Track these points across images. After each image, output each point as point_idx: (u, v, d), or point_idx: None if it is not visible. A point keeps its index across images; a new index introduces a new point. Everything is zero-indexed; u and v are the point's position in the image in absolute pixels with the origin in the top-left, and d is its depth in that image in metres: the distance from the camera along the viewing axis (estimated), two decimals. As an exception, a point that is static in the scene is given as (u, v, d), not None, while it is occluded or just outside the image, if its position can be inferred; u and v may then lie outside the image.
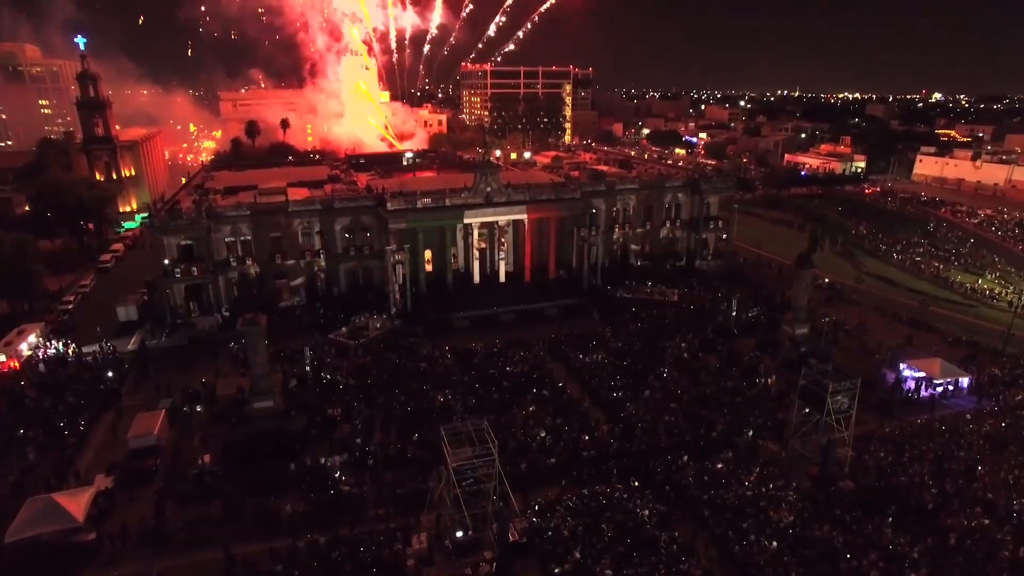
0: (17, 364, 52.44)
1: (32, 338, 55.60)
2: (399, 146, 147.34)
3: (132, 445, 40.49)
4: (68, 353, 54.95)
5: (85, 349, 55.34)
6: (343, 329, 58.45)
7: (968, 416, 45.50)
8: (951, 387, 48.96)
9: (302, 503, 35.48)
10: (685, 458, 39.13)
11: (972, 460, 39.49)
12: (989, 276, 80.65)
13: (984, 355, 55.37)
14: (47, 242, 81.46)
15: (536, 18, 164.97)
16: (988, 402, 47.87)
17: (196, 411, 45.40)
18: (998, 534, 33.01)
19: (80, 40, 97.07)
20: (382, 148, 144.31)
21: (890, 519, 33.84)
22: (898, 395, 48.65)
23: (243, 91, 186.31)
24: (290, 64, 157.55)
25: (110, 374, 50.91)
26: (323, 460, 38.94)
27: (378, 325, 59.45)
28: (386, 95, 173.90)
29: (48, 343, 56.35)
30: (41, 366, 52.69)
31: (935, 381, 48.60)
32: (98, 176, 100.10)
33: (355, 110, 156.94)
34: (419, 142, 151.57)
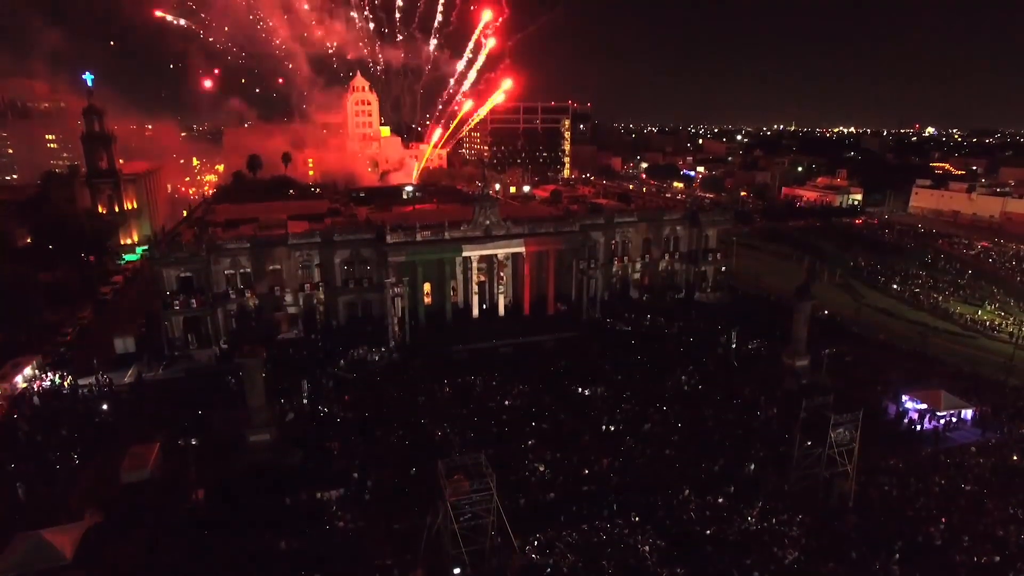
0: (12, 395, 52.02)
1: (28, 371, 55.27)
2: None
3: (125, 479, 39.90)
4: (64, 386, 54.57)
5: (81, 381, 54.95)
6: (341, 362, 58.16)
7: (973, 448, 44.95)
8: (954, 419, 48.49)
9: (297, 540, 34.75)
10: (686, 492, 38.55)
11: (980, 494, 38.90)
12: (989, 307, 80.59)
13: (987, 387, 54.97)
14: (47, 274, 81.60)
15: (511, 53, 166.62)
16: (993, 434, 47.33)
17: (191, 444, 44.81)
18: (1010, 572, 32.31)
19: (88, 77, 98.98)
20: (374, 178, 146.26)
21: (897, 555, 33.15)
22: (901, 427, 48.18)
23: (246, 125, 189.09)
24: (279, 96, 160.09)
25: (105, 407, 50.44)
26: (319, 495, 38.33)
27: (376, 358, 59.18)
28: (386, 129, 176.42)
29: (44, 375, 55.99)
30: (35, 399, 52.26)
31: (939, 413, 48.16)
32: (101, 209, 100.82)
33: (347, 143, 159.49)
34: (406, 174, 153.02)
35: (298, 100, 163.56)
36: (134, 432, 46.68)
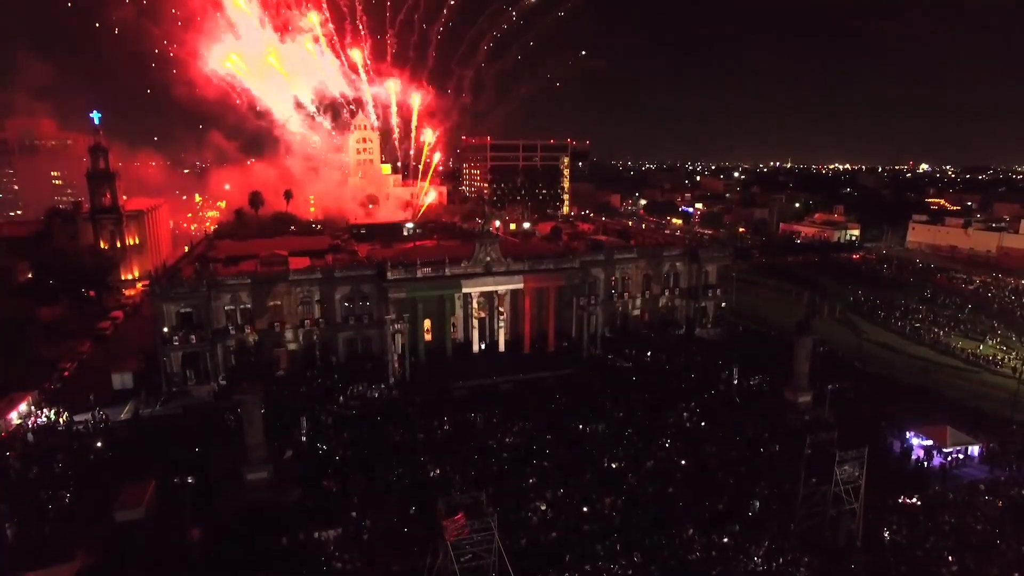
0: (4, 434, 51.44)
1: (23, 407, 54.76)
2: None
3: (119, 518, 39.20)
4: (59, 422, 53.98)
5: (77, 418, 54.37)
6: (340, 399, 57.69)
7: (982, 486, 44.26)
8: (961, 456, 47.90)
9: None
10: (690, 531, 37.86)
11: (991, 533, 38.18)
12: (990, 342, 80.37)
13: (992, 422, 54.40)
14: (48, 309, 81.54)
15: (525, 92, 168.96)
16: (1001, 471, 46.67)
17: (187, 482, 44.12)
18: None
19: (95, 115, 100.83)
20: (371, 214, 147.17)
21: (908, 597, 32.42)
22: (907, 464, 47.56)
23: (249, 163, 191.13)
24: (266, 133, 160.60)
25: (99, 444, 49.81)
26: (317, 534, 37.62)
27: (376, 395, 58.74)
28: (387, 167, 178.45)
29: (39, 412, 55.45)
30: (30, 435, 51.62)
31: (944, 449, 47.60)
32: (103, 244, 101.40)
33: (335, 177, 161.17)
34: (391, 209, 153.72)
35: (286, 136, 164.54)
36: (129, 469, 46.02)
